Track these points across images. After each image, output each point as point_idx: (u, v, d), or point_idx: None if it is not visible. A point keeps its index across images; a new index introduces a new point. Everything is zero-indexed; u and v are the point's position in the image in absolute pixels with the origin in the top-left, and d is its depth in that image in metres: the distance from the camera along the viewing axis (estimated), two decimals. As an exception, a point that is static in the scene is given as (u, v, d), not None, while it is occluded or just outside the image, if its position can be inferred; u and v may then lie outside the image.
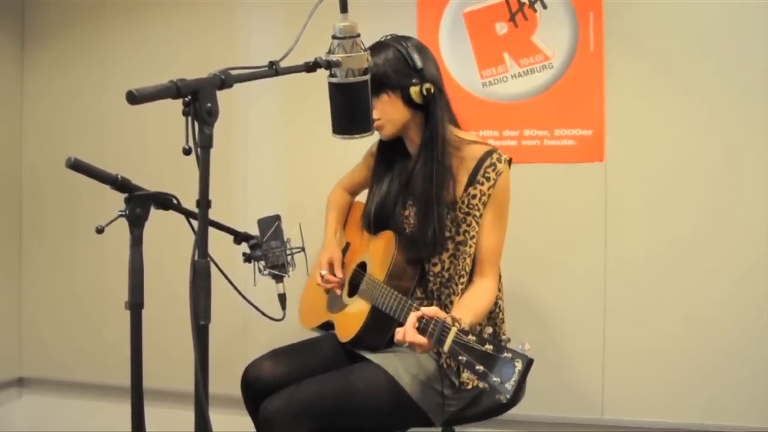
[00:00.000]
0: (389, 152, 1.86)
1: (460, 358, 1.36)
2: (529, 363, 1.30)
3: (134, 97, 1.01)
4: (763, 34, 2.21)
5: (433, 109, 1.72)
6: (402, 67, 1.70)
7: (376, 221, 1.86)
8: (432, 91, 1.69)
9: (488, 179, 1.69)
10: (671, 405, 2.28)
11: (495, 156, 1.70)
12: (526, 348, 1.31)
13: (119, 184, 1.30)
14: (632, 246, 2.31)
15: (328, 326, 1.95)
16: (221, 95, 1.13)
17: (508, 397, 1.29)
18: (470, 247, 1.71)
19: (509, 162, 1.74)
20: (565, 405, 2.37)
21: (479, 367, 1.33)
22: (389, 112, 1.73)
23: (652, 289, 2.30)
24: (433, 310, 1.48)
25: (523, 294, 2.33)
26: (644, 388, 2.30)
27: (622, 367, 2.32)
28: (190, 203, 1.42)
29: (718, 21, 2.24)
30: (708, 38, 2.25)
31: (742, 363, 2.22)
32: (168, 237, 2.00)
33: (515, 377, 1.29)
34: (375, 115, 1.70)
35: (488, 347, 1.33)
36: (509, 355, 1.31)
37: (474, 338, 1.36)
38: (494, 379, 1.31)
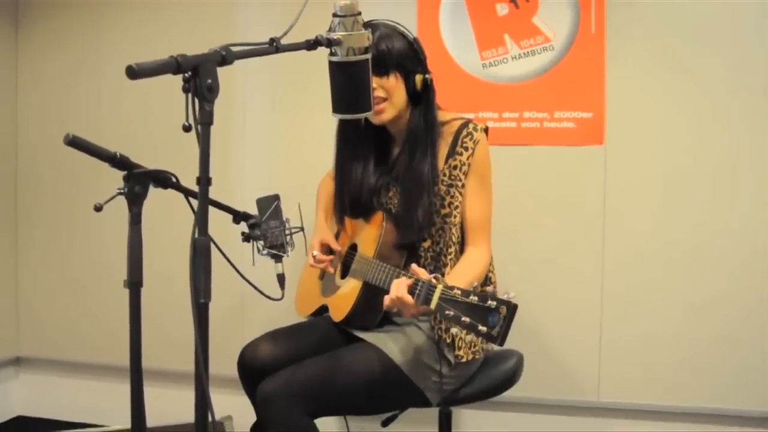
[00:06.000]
0: (353, 135, 1.86)
1: (447, 313, 1.39)
2: (513, 308, 1.33)
3: (134, 72, 1.01)
4: (765, 20, 2.19)
5: (430, 99, 1.77)
6: (413, 54, 1.74)
7: (353, 206, 1.88)
8: (429, 81, 1.75)
9: (466, 149, 1.73)
10: (666, 388, 2.30)
11: (471, 126, 1.75)
12: (511, 295, 1.34)
13: (118, 161, 1.28)
14: (631, 229, 2.31)
15: (323, 311, 1.95)
16: (220, 72, 1.12)
17: (498, 343, 1.33)
18: (455, 217, 1.74)
19: (486, 130, 1.77)
20: (561, 388, 2.38)
21: (465, 319, 1.36)
22: (396, 95, 1.74)
23: (650, 274, 2.30)
24: (418, 271, 1.51)
25: (521, 276, 2.33)
26: (640, 372, 2.31)
27: (619, 351, 2.33)
28: (187, 182, 1.41)
29: (719, 6, 2.22)
30: (709, 23, 2.23)
31: (738, 348, 2.24)
32: (164, 216, 1.99)
33: (501, 323, 1.33)
34: (381, 93, 1.71)
35: (473, 298, 1.36)
36: (494, 303, 1.34)
37: (459, 292, 1.38)
38: (481, 328, 1.34)
